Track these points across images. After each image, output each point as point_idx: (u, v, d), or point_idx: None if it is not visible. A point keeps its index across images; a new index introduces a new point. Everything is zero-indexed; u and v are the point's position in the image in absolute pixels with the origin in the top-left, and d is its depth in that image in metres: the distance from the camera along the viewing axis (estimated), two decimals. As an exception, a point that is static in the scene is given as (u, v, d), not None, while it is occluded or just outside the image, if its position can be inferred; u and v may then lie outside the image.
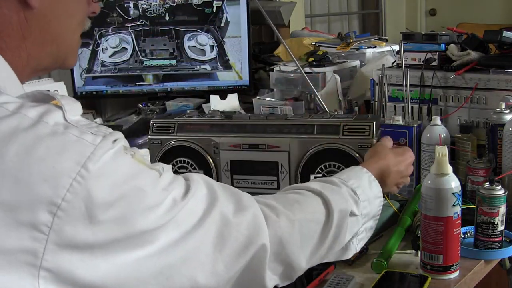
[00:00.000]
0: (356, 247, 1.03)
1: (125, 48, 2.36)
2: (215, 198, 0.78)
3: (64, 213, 0.63)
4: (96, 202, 0.65)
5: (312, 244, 0.92)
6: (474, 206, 1.17)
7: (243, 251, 0.79)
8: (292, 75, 2.07)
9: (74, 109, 0.69)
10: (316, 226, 0.93)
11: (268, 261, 0.83)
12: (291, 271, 0.89)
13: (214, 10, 2.32)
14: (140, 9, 2.34)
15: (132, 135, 2.02)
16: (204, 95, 2.34)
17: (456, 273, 1.08)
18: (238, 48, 2.34)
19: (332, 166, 1.26)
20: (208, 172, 1.36)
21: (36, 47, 0.78)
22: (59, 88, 2.02)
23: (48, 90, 0.74)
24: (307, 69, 2.03)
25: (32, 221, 0.62)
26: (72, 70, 2.35)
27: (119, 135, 0.70)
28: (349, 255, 1.02)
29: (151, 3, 2.33)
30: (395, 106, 1.67)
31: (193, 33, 2.34)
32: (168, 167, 0.77)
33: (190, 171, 1.36)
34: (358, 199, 1.01)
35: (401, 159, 1.16)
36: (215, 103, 2.11)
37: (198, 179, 0.79)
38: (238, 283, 0.81)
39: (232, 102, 2.12)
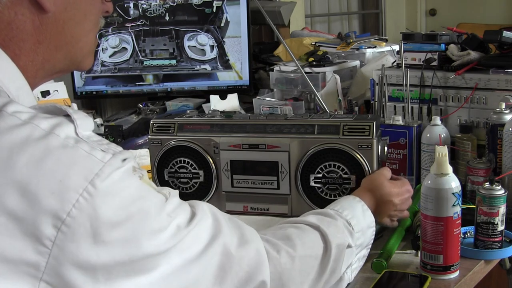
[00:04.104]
0: (350, 277, 1.03)
1: (125, 48, 2.36)
2: (219, 229, 0.78)
3: (68, 229, 0.63)
4: (101, 221, 0.64)
5: (310, 280, 0.92)
6: (474, 206, 1.17)
7: (243, 286, 0.79)
8: (292, 75, 2.07)
9: (86, 124, 0.69)
10: (315, 261, 0.93)
11: None
12: None
13: (214, 10, 2.33)
14: (140, 9, 2.34)
15: (132, 135, 2.02)
16: (204, 95, 2.34)
17: (456, 273, 1.08)
18: (238, 48, 2.34)
19: (332, 166, 1.26)
20: (208, 172, 1.36)
21: (51, 50, 0.77)
22: (59, 88, 2.03)
23: (61, 104, 0.73)
24: (307, 69, 2.03)
25: (36, 233, 0.62)
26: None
27: (129, 154, 0.69)
28: (343, 286, 1.02)
29: (151, 3, 2.33)
30: (395, 106, 1.67)
31: (193, 33, 2.34)
32: (175, 193, 0.76)
33: (190, 171, 1.36)
34: (353, 230, 1.02)
35: (397, 192, 1.15)
36: (215, 103, 2.11)
37: (204, 207, 0.79)
38: None
39: (232, 102, 2.12)
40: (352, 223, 1.03)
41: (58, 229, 0.63)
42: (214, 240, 0.76)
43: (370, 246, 1.09)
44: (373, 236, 1.09)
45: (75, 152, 0.65)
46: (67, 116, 0.69)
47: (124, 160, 0.68)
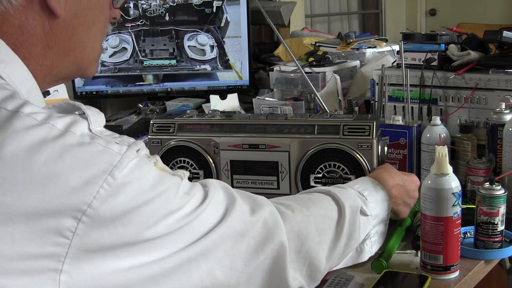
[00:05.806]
0: (370, 250, 1.06)
1: (125, 48, 2.36)
2: (232, 200, 0.81)
3: (89, 219, 0.64)
4: (121, 209, 0.66)
5: (329, 241, 0.94)
6: (474, 206, 1.17)
7: (261, 248, 0.81)
8: (292, 75, 2.07)
9: (98, 120, 0.70)
10: (330, 221, 0.95)
11: (289, 260, 0.84)
12: (314, 271, 0.90)
13: (214, 10, 2.32)
14: (140, 9, 2.34)
15: (132, 135, 2.02)
16: (204, 95, 2.34)
17: (456, 273, 1.08)
18: (238, 48, 2.34)
19: (332, 166, 1.26)
20: (208, 172, 1.36)
21: (59, 56, 0.78)
22: (59, 88, 2.02)
23: (74, 101, 0.74)
24: (307, 69, 2.03)
25: (57, 228, 0.63)
26: (72, 70, 2.34)
27: (142, 144, 0.71)
28: (365, 257, 1.05)
29: (151, 3, 2.33)
30: (395, 106, 1.67)
31: (193, 33, 2.34)
32: (186, 174, 0.79)
33: (190, 171, 1.36)
34: (366, 199, 1.05)
35: (407, 178, 1.18)
36: (215, 103, 2.11)
37: (215, 183, 0.82)
38: (262, 286, 0.82)
39: (232, 102, 2.12)
40: (365, 194, 1.06)
41: (78, 220, 0.64)
42: (229, 211, 0.79)
43: (387, 222, 1.11)
44: (389, 211, 1.11)
45: (92, 148, 0.66)
46: (80, 112, 0.70)
47: (138, 150, 0.70)
